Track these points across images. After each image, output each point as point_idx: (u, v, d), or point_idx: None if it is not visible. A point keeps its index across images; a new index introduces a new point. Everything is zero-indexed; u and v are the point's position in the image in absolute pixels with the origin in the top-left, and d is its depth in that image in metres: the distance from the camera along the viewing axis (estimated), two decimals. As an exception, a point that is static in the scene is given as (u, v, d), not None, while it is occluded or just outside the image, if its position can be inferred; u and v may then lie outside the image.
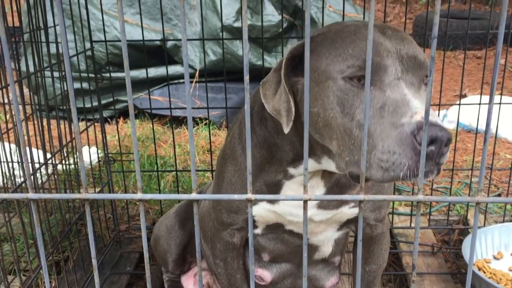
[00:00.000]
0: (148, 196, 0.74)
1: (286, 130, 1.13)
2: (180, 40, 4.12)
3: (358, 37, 1.09)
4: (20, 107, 1.96)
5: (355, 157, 1.04)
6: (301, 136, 1.24)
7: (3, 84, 1.74)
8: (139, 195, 0.73)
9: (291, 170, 1.34)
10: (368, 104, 0.69)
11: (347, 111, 1.06)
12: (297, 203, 1.38)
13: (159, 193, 2.48)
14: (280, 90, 1.15)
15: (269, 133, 1.33)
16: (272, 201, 1.40)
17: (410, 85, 1.04)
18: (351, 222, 1.49)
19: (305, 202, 0.73)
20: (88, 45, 2.23)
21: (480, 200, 0.71)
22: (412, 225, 2.39)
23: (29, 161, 1.70)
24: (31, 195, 0.73)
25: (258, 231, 1.51)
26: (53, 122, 2.42)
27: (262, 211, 1.42)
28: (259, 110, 1.33)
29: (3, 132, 1.82)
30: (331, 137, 1.10)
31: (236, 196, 0.73)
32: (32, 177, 1.75)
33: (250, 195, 0.73)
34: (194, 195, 0.73)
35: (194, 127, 4.05)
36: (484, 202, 0.68)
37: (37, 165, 1.95)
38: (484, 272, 1.99)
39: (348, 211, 1.42)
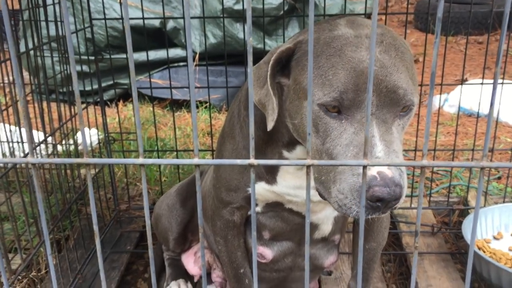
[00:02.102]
0: (150, 161, 0.73)
1: (270, 127, 1.15)
2: (180, 19, 4.09)
3: (341, 60, 1.05)
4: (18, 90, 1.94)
5: (322, 178, 1.09)
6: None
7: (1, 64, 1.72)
8: (141, 160, 0.73)
9: (286, 153, 1.34)
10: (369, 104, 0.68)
11: (320, 134, 1.08)
12: (295, 185, 1.39)
13: (159, 173, 2.48)
14: (266, 88, 1.15)
15: None
16: (270, 183, 1.40)
17: (382, 123, 1.04)
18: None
19: (308, 167, 0.72)
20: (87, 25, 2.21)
21: (485, 165, 0.70)
22: (412, 205, 2.40)
23: (28, 127, 1.69)
24: (31, 159, 0.72)
25: (258, 209, 1.51)
26: (53, 106, 2.41)
27: (261, 191, 1.43)
28: None
29: (2, 109, 1.81)
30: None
31: (238, 161, 0.73)
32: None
33: (252, 160, 0.72)
34: (196, 160, 0.73)
35: (194, 110, 4.04)
36: (489, 167, 0.68)
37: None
38: (484, 252, 1.99)
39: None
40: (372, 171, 0.97)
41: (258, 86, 1.18)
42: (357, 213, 1.01)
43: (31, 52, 1.90)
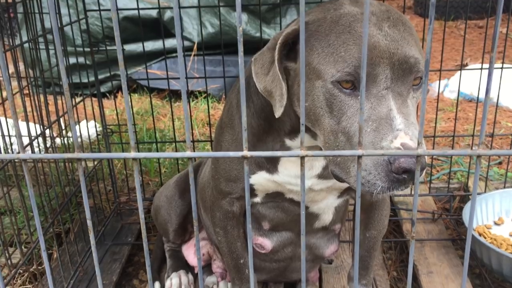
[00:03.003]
0: (142, 154, 0.72)
1: (278, 114, 1.13)
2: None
3: (352, 36, 1.05)
4: (15, 82, 1.93)
5: (337, 159, 1.07)
6: (296, 113, 1.23)
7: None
8: (133, 154, 0.72)
9: (288, 142, 1.32)
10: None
11: (335, 113, 1.06)
12: (296, 174, 1.37)
13: (159, 165, 2.48)
14: (274, 74, 1.13)
15: (266, 102, 1.31)
16: (271, 172, 1.39)
17: (398, 96, 1.03)
18: (352, 189, 1.48)
19: (302, 158, 0.71)
20: (82, 17, 2.19)
21: (481, 153, 0.69)
22: (412, 192, 2.39)
23: (18, 122, 1.68)
24: (22, 155, 0.72)
25: (258, 199, 1.50)
26: (51, 98, 2.40)
27: (261, 180, 1.41)
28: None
29: (-2, 104, 1.80)
30: (320, 131, 1.11)
31: (232, 153, 0.72)
32: (29, 147, 1.73)
33: (245, 152, 0.71)
34: (189, 153, 0.72)
35: (193, 100, 4.02)
36: (486, 155, 0.67)
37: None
38: (485, 238, 1.99)
39: (348, 179, 1.41)
40: (395, 143, 0.96)
41: (262, 74, 1.16)
42: (382, 188, 0.99)
43: (27, 45, 1.88)
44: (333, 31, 1.07)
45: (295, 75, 1.15)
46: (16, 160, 1.90)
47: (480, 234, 2.01)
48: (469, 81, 3.48)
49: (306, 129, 1.25)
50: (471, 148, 2.42)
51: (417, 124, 1.03)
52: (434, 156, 2.89)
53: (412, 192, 2.39)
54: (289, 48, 1.15)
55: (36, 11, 1.93)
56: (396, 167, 0.95)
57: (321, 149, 1.29)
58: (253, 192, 1.46)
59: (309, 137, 1.25)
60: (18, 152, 0.70)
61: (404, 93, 1.05)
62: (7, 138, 2.18)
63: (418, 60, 1.05)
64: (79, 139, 2.42)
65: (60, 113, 2.06)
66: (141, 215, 0.75)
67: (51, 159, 1.99)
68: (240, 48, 0.66)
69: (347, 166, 1.04)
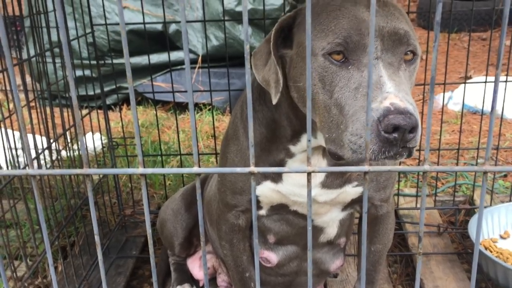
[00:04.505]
0: (150, 170, 0.73)
1: (274, 100, 1.15)
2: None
3: (342, 12, 1.09)
4: (22, 95, 1.95)
5: (333, 135, 1.06)
6: (295, 109, 1.25)
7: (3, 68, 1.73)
8: (141, 170, 0.72)
9: (292, 148, 1.33)
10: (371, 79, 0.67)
11: (327, 88, 1.07)
12: (300, 182, 1.37)
13: (164, 177, 2.48)
14: (270, 61, 1.16)
15: (267, 108, 1.33)
16: (276, 181, 1.39)
17: (388, 65, 1.04)
18: (356, 202, 1.48)
19: (309, 174, 0.71)
20: (89, 31, 2.22)
21: (488, 169, 0.69)
22: (418, 205, 2.38)
23: (27, 137, 1.69)
24: (31, 171, 0.72)
25: (262, 212, 1.50)
26: (57, 111, 2.41)
27: (266, 191, 1.42)
28: (258, 85, 1.32)
29: (5, 117, 1.81)
30: (315, 112, 1.12)
31: (238, 169, 0.72)
32: (36, 161, 1.74)
33: (252, 168, 0.72)
34: (196, 169, 0.72)
35: (197, 112, 4.04)
36: (492, 171, 0.67)
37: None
38: (491, 251, 1.98)
39: (352, 190, 1.41)
40: (385, 103, 0.96)
41: (261, 65, 1.19)
42: (374, 151, 0.97)
43: (34, 59, 1.90)
44: (324, 11, 1.11)
45: (290, 60, 1.18)
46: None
47: (486, 248, 2.00)
48: (473, 93, 3.49)
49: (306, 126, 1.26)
50: (476, 161, 2.42)
51: (410, 95, 1.03)
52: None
53: (417, 205, 2.38)
54: (284, 36, 1.19)
55: (43, 25, 1.95)
56: (386, 124, 0.94)
57: (325, 150, 1.30)
58: (258, 205, 1.47)
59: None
60: (25, 167, 0.71)
61: (395, 63, 1.06)
62: (13, 151, 2.19)
63: (408, 32, 1.08)
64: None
65: (66, 126, 2.07)
66: (148, 230, 0.76)
67: (59, 174, 2.00)
68: (247, 65, 0.67)
69: (341, 138, 1.03)
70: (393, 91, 0.98)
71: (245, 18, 0.65)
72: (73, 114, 2.11)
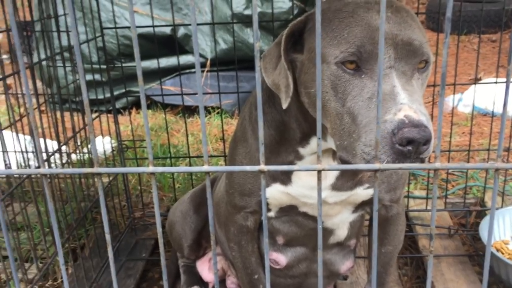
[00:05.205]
0: (160, 169, 0.73)
1: (285, 105, 1.15)
2: (190, 26, 4.11)
3: (355, 20, 1.08)
4: (34, 100, 1.97)
5: (344, 143, 1.06)
6: (304, 113, 1.25)
7: (16, 75, 1.74)
8: (151, 168, 0.72)
9: (301, 150, 1.33)
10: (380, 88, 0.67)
11: (339, 96, 1.07)
12: (310, 184, 1.37)
13: (173, 180, 2.49)
14: (280, 66, 1.16)
15: (276, 110, 1.32)
16: (285, 183, 1.39)
17: (402, 74, 1.04)
18: (366, 204, 1.47)
19: (319, 172, 0.71)
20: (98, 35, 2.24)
21: (500, 166, 0.69)
22: (428, 207, 2.37)
23: (39, 138, 1.70)
24: (42, 170, 0.73)
25: (271, 213, 1.50)
26: (67, 115, 2.44)
27: (275, 193, 1.41)
28: (267, 88, 1.32)
29: (16, 120, 1.83)
30: (326, 119, 1.12)
31: (248, 168, 0.72)
32: (46, 163, 1.76)
33: (262, 166, 0.71)
34: (206, 167, 0.72)
35: (206, 116, 4.05)
36: (504, 169, 0.67)
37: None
38: (503, 253, 1.96)
39: (363, 192, 1.41)
40: (399, 116, 0.95)
41: (271, 68, 1.19)
42: (388, 163, 0.96)
43: (44, 63, 1.92)
44: (337, 17, 1.10)
45: (301, 65, 1.18)
46: (33, 176, 1.92)
47: (497, 250, 1.98)
48: (483, 95, 3.47)
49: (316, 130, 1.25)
50: (487, 163, 2.40)
51: (423, 106, 1.03)
52: (450, 171, 2.86)
53: (428, 208, 2.37)
54: (295, 40, 1.18)
55: (54, 29, 1.96)
56: (400, 137, 0.94)
57: (335, 153, 1.29)
58: (267, 206, 1.46)
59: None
60: (38, 167, 0.71)
61: (408, 73, 1.05)
62: (24, 154, 2.21)
63: (422, 43, 1.07)
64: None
65: (76, 130, 2.08)
66: (159, 228, 0.76)
67: (70, 174, 2.01)
68: (257, 63, 0.67)
69: (353, 147, 1.03)
70: (407, 102, 0.98)
71: (255, 17, 0.66)
72: (83, 117, 2.12)
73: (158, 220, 0.76)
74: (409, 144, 0.95)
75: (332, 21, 1.10)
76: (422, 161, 0.99)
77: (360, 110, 1.02)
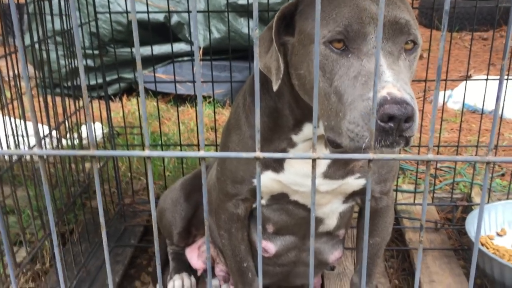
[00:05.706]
0: (155, 153, 0.73)
1: (275, 87, 1.16)
2: (184, 14, 4.09)
3: (343, 1, 1.09)
4: (23, 83, 1.94)
5: (332, 123, 1.07)
6: (297, 98, 1.26)
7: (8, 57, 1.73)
8: (147, 152, 0.73)
9: (294, 138, 1.34)
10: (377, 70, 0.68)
11: (327, 76, 1.08)
12: (302, 172, 1.38)
13: (164, 168, 2.49)
14: (272, 49, 1.17)
15: (270, 97, 1.33)
16: (277, 170, 1.40)
17: (388, 54, 1.05)
18: (357, 194, 1.49)
19: (314, 160, 0.72)
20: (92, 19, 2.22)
21: (491, 160, 0.70)
22: (416, 201, 2.40)
23: (35, 118, 1.69)
24: (37, 151, 0.73)
25: (262, 201, 1.51)
26: (58, 100, 2.42)
27: (267, 181, 1.42)
28: (261, 74, 1.32)
29: (8, 103, 1.82)
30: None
31: (244, 154, 0.73)
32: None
33: (258, 153, 0.72)
34: (202, 153, 0.73)
35: (197, 105, 4.04)
36: (494, 162, 0.68)
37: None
38: (487, 248, 1.99)
39: (354, 182, 1.42)
40: (382, 93, 0.96)
41: (263, 52, 1.20)
42: (369, 141, 0.97)
43: (36, 46, 1.90)
44: None
45: (292, 47, 1.19)
46: (23, 159, 1.91)
47: (482, 245, 2.02)
48: (473, 92, 3.50)
49: (308, 115, 1.27)
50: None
51: (409, 85, 1.04)
52: (438, 166, 2.90)
53: (415, 201, 2.40)
54: (287, 23, 1.19)
55: (47, 11, 1.95)
56: (381, 114, 0.95)
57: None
58: (258, 194, 1.47)
59: (310, 125, 1.27)
60: (32, 147, 0.71)
61: (395, 52, 1.06)
62: (14, 137, 2.19)
63: (409, 21, 1.08)
64: (84, 141, 2.43)
65: (67, 114, 2.07)
66: (153, 213, 0.76)
67: (66, 155, 2.00)
68: (256, 50, 0.68)
69: (339, 127, 1.04)
70: (392, 81, 0.99)
71: (255, 4, 0.66)
72: (75, 102, 2.11)
73: (152, 204, 0.76)
74: (390, 121, 0.95)
75: (322, 3, 1.11)
76: (407, 140, 1.00)
77: (346, 88, 1.03)
